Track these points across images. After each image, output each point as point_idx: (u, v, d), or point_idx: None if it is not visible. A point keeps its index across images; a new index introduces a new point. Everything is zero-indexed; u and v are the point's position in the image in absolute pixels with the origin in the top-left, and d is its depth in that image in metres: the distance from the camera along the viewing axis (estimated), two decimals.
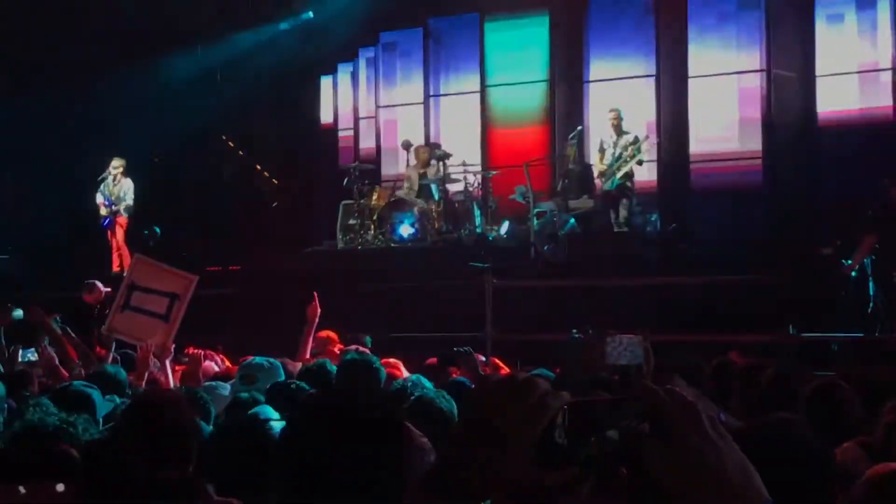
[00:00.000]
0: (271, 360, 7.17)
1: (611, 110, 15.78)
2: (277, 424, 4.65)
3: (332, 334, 9.54)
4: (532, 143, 17.96)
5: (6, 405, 5.81)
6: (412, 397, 4.96)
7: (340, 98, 20.48)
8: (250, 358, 7.35)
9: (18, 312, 8.63)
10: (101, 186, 17.78)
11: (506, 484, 1.62)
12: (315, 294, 8.90)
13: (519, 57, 18.65)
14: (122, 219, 17.68)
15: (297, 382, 5.90)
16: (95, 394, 5.42)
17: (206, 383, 7.10)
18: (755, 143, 16.36)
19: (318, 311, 8.79)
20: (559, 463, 1.61)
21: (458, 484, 1.63)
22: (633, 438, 1.59)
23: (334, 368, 6.48)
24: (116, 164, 17.73)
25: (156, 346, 8.17)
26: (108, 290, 12.83)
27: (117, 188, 17.72)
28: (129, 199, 17.69)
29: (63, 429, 4.18)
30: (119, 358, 8.62)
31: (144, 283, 8.66)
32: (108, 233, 17.70)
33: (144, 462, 3.87)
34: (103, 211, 17.71)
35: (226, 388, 6.89)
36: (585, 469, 1.63)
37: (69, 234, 18.68)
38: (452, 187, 16.89)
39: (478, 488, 1.63)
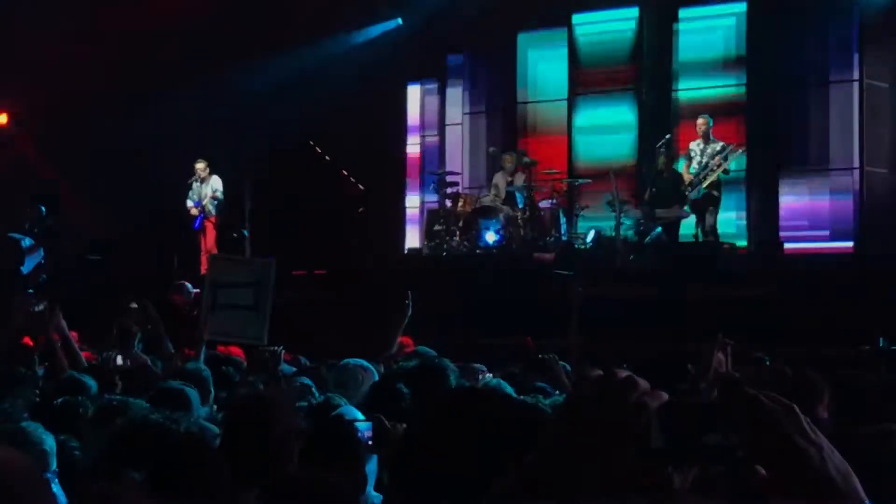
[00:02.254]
0: (364, 363, 7.18)
1: (700, 117, 15.68)
2: (363, 425, 4.68)
3: (407, 339, 9.57)
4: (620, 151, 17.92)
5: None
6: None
7: (427, 104, 20.56)
8: (346, 360, 7.35)
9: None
10: (190, 193, 18.10)
11: (601, 482, 1.63)
12: (407, 293, 8.96)
13: (608, 59, 18.59)
14: (213, 217, 17.92)
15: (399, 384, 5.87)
16: (192, 393, 5.49)
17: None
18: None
19: (409, 310, 8.85)
20: (654, 463, 1.62)
21: (554, 480, 1.64)
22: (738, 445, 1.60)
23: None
24: (201, 166, 18.02)
25: (255, 339, 8.27)
26: (198, 291, 12.99)
27: (205, 187, 18.00)
28: (218, 193, 17.94)
29: (166, 426, 4.25)
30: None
31: (226, 280, 8.74)
32: (199, 235, 17.94)
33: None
34: (194, 212, 18.02)
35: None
36: (679, 471, 1.64)
37: (160, 236, 18.94)
38: (538, 195, 16.87)
39: (573, 485, 1.63)
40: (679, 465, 1.65)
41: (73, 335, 8.64)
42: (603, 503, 1.63)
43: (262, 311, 8.58)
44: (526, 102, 19.28)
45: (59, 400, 5.80)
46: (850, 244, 15.97)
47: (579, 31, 18.70)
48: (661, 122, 17.21)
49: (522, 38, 19.23)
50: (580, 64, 18.65)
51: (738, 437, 1.61)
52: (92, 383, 6.43)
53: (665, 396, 1.64)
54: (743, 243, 16.43)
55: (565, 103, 18.79)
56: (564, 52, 18.70)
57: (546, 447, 1.67)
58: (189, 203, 18.17)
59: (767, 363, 8.65)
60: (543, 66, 19.13)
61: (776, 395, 1.65)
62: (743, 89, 17.18)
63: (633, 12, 18.19)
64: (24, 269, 17.75)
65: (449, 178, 17.86)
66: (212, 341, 8.82)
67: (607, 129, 18.19)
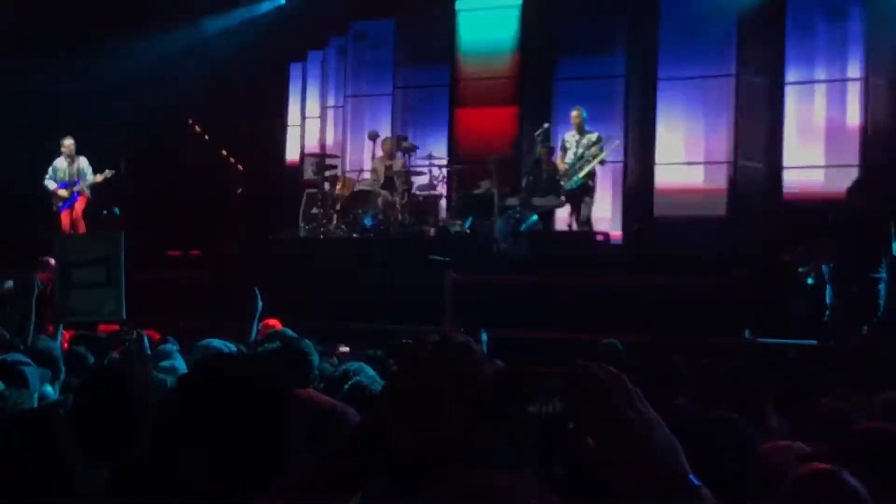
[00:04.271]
0: (228, 344, 7.15)
1: (574, 109, 15.82)
2: None
3: (275, 321, 9.52)
4: (500, 139, 17.98)
5: None
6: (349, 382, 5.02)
7: (309, 86, 20.46)
8: (207, 340, 7.30)
9: (9, 284, 8.60)
10: (51, 171, 17.33)
11: (432, 447, 1.64)
12: (255, 289, 8.90)
13: (490, 48, 18.66)
14: (85, 195, 17.34)
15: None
16: (29, 369, 5.40)
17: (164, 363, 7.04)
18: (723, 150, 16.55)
19: (259, 304, 8.79)
20: (483, 430, 1.62)
21: (386, 444, 1.65)
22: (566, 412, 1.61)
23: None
24: (68, 143, 17.30)
25: (113, 314, 8.16)
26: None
27: (73, 167, 17.37)
28: (89, 177, 17.33)
29: None
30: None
31: (76, 258, 8.64)
32: (63, 214, 17.33)
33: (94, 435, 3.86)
34: (62, 194, 17.25)
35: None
36: (507, 439, 1.65)
37: (28, 212, 18.45)
38: (417, 180, 16.89)
39: (404, 450, 1.64)
40: (508, 433, 1.65)
41: None
42: (431, 469, 1.64)
43: (116, 286, 8.48)
44: (407, 87, 19.33)
45: None
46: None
47: (462, 18, 18.79)
48: (540, 112, 17.31)
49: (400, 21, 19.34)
50: (462, 51, 18.77)
51: (567, 406, 1.62)
52: None
53: (499, 364, 1.65)
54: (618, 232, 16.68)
55: (447, 89, 18.90)
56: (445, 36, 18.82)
57: (378, 410, 1.68)
58: (51, 184, 17.30)
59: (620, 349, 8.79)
60: (425, 48, 19.19)
61: (605, 365, 1.66)
62: (623, 80, 17.48)
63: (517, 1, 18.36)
64: None
65: (328, 162, 17.74)
66: (71, 322, 8.72)
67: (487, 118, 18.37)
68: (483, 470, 1.69)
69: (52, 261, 12.84)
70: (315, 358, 5.95)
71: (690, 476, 1.62)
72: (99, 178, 17.09)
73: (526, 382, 1.64)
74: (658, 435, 1.64)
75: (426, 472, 1.67)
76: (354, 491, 1.70)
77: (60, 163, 17.36)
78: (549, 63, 18.10)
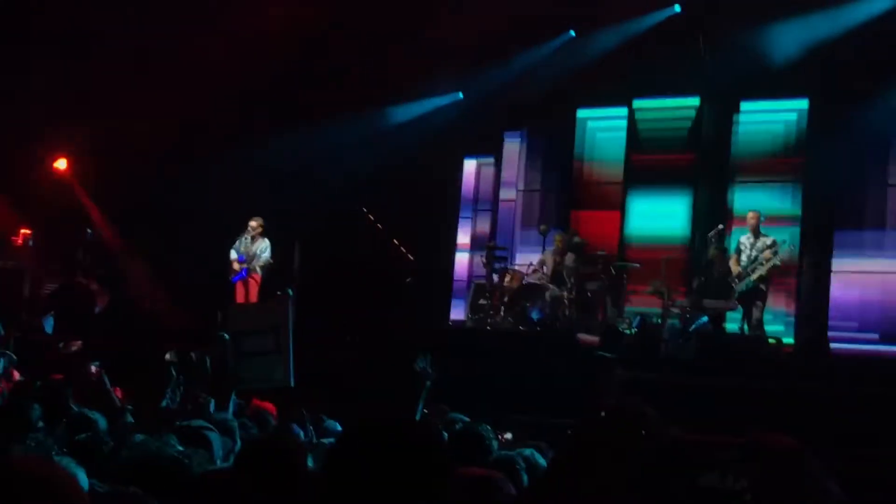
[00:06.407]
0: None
1: (751, 211, 15.71)
2: None
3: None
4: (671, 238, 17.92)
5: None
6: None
7: (482, 179, 20.67)
8: None
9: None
10: (237, 244, 17.85)
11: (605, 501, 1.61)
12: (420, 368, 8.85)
13: (665, 149, 18.66)
14: (257, 276, 17.82)
15: None
16: (213, 435, 5.55)
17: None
18: None
19: (429, 375, 8.73)
20: (654, 493, 1.59)
21: (559, 495, 1.62)
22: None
23: None
24: (255, 224, 17.90)
25: (282, 381, 8.29)
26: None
27: (255, 246, 17.86)
28: (266, 257, 17.80)
29: (179, 460, 4.33)
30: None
31: (247, 327, 8.82)
32: (237, 287, 17.79)
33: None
34: (236, 266, 17.73)
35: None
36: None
37: (206, 289, 18.95)
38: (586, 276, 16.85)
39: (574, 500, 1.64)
40: (679, 500, 1.61)
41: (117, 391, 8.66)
42: None
43: (283, 353, 8.64)
44: (582, 182, 19.39)
45: (82, 436, 5.82)
46: None
47: (639, 116, 18.79)
48: (714, 213, 17.17)
49: (582, 115, 19.36)
50: (638, 148, 18.74)
51: (740, 479, 1.58)
52: (101, 420, 6.47)
53: (676, 432, 1.63)
54: (790, 340, 16.29)
55: (620, 187, 18.89)
56: (623, 134, 18.81)
57: (555, 466, 1.68)
58: (233, 254, 17.86)
59: None
60: (601, 144, 19.22)
61: (783, 435, 1.62)
62: (800, 188, 17.26)
63: (695, 101, 18.28)
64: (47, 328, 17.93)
65: (498, 254, 17.85)
66: (242, 390, 8.84)
67: (660, 215, 18.22)
68: None
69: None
70: (494, 443, 5.96)
71: None
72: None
73: (700, 451, 1.61)
74: None
75: None
76: None
77: (245, 239, 17.85)
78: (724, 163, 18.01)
